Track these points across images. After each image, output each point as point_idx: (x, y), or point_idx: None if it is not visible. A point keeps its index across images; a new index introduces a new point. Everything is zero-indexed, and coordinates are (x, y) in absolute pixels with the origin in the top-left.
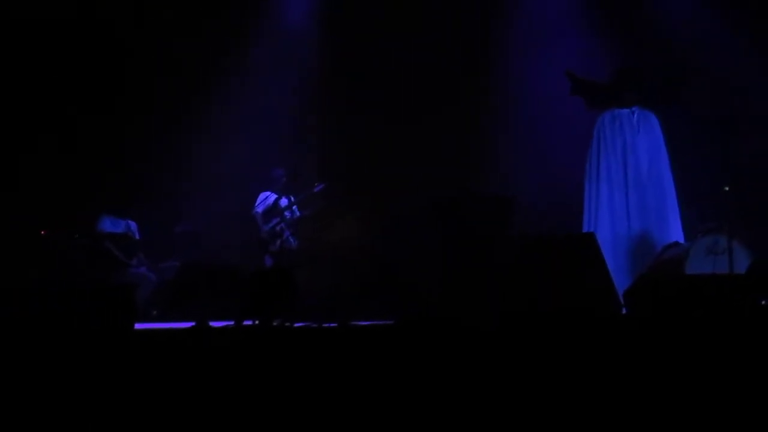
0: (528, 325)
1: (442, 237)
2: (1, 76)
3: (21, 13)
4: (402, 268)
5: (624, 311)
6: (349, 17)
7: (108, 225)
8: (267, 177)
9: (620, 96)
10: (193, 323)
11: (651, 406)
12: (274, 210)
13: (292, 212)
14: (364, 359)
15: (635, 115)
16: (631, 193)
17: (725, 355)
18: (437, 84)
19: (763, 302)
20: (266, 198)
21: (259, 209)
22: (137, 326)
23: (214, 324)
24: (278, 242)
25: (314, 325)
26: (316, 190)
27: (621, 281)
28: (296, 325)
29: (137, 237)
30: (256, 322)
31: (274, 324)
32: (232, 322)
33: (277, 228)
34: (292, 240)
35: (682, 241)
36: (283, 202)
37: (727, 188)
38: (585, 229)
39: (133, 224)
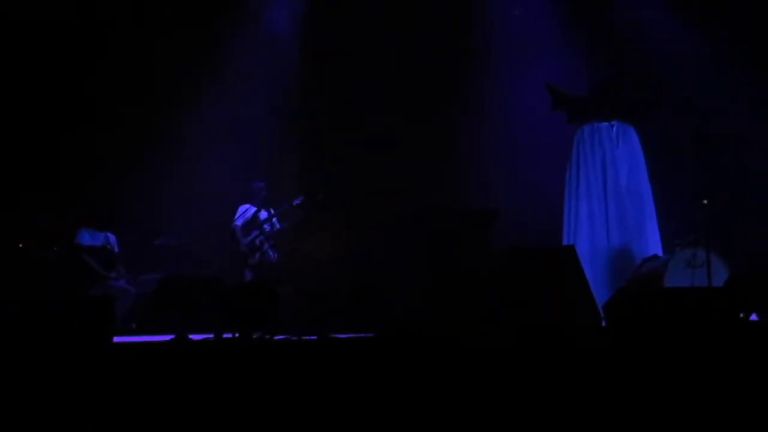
0: (508, 338)
1: (422, 250)
2: None
3: None
4: (382, 281)
5: (603, 324)
6: (330, 28)
7: (86, 238)
8: (247, 190)
9: (600, 110)
10: (173, 336)
11: (630, 417)
12: (253, 223)
13: (272, 225)
14: (344, 372)
15: (614, 129)
16: (611, 205)
17: (704, 367)
18: (418, 97)
19: (742, 315)
20: (246, 211)
21: (239, 222)
22: (116, 339)
23: (193, 337)
24: (258, 255)
25: (294, 338)
26: (295, 202)
27: (600, 294)
28: (276, 337)
29: (116, 250)
30: (236, 335)
31: (254, 337)
32: (211, 335)
33: (257, 241)
34: (271, 253)
35: (660, 254)
36: (263, 214)
37: (705, 201)
38: (565, 242)
39: (112, 237)
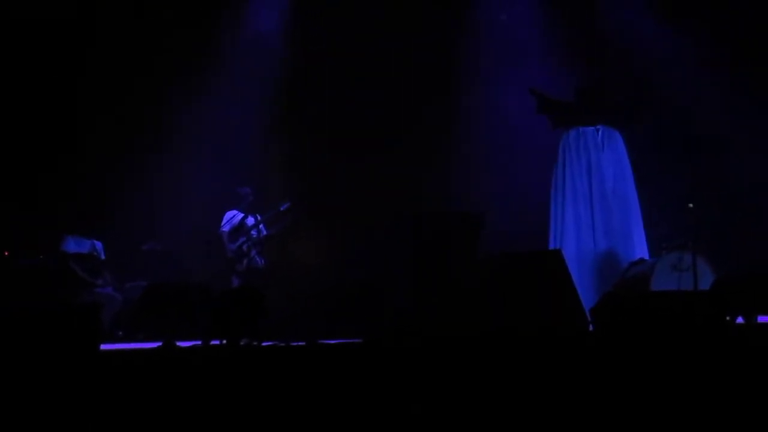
0: (495, 343)
1: (410, 255)
2: None
3: None
4: (370, 287)
5: (591, 328)
6: (318, 29)
7: (72, 245)
8: (234, 195)
9: (585, 114)
10: (160, 343)
11: (617, 422)
12: (240, 229)
13: (259, 231)
14: (332, 378)
15: (600, 133)
16: (597, 209)
17: (691, 371)
18: (404, 102)
19: (728, 318)
20: (232, 217)
21: (225, 228)
22: (103, 347)
23: (181, 344)
24: (245, 261)
25: (282, 344)
26: (282, 208)
27: (587, 298)
28: (264, 344)
29: (102, 257)
30: (224, 341)
31: (242, 344)
32: (199, 342)
33: (244, 247)
34: (258, 259)
35: (647, 257)
36: (250, 220)
37: (691, 205)
38: (551, 246)
39: (98, 244)
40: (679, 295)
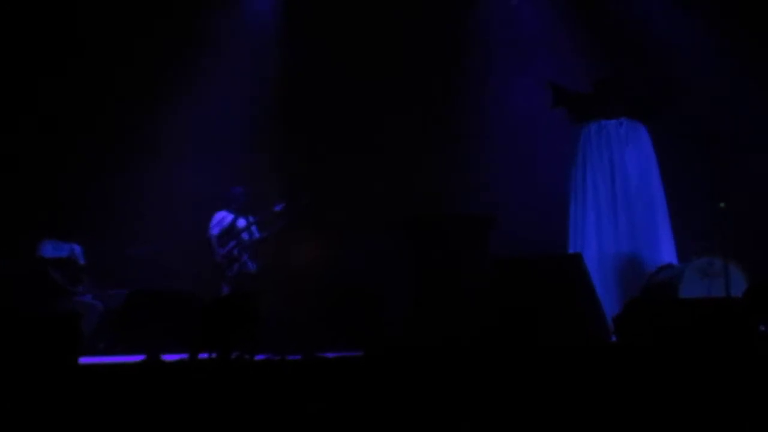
0: (508, 354)
1: (415, 260)
2: None
3: None
4: (372, 294)
5: (613, 339)
6: (315, 20)
7: (50, 249)
8: (224, 195)
9: (606, 106)
10: (144, 357)
11: None
12: (230, 232)
13: (251, 234)
14: (331, 395)
15: (623, 127)
16: (620, 210)
17: (722, 385)
18: (410, 96)
19: (762, 328)
20: (222, 219)
21: (215, 231)
22: (82, 360)
23: (166, 358)
24: (236, 267)
25: (276, 358)
26: (276, 209)
27: (610, 306)
28: (257, 357)
29: (82, 262)
30: (213, 355)
31: (233, 357)
32: (186, 356)
33: (235, 251)
34: (250, 264)
35: (674, 262)
36: (241, 222)
37: (722, 204)
38: (571, 250)
39: (77, 248)
40: (710, 303)
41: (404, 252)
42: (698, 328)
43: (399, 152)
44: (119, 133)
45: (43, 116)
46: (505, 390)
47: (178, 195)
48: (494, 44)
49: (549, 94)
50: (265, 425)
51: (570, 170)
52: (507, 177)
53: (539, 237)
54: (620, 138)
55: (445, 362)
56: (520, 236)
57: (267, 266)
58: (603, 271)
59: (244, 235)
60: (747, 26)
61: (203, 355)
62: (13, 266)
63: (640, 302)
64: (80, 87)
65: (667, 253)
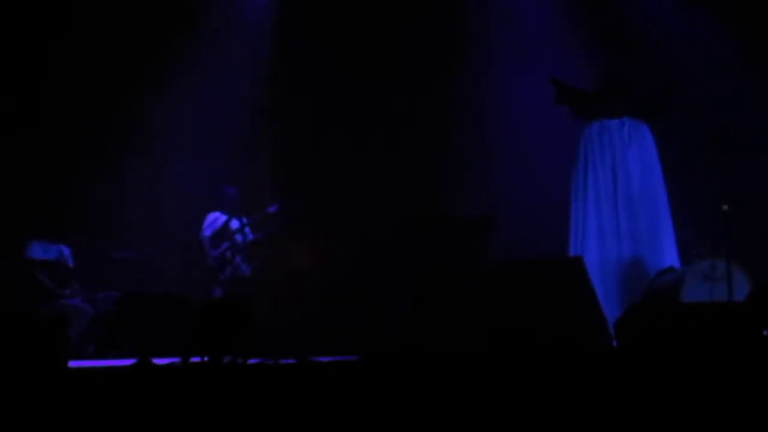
0: (507, 360)
1: (414, 260)
2: None
3: None
4: (368, 297)
5: (615, 344)
6: (311, 16)
7: (38, 251)
8: (216, 196)
9: (610, 105)
10: (135, 361)
11: None
12: (223, 233)
13: (244, 235)
14: (326, 401)
15: (626, 126)
16: (622, 212)
17: (725, 391)
18: (410, 94)
19: (766, 333)
20: (215, 220)
21: (207, 232)
22: (71, 364)
23: (157, 361)
24: (228, 269)
25: (270, 362)
26: (270, 210)
27: (611, 310)
28: (250, 362)
29: (71, 264)
30: (205, 359)
31: (225, 361)
32: (178, 359)
33: (227, 253)
34: (244, 266)
35: (677, 265)
36: (234, 224)
37: (726, 207)
38: (571, 252)
39: (66, 250)
40: (712, 307)
41: (403, 253)
42: (700, 332)
43: (398, 152)
44: (108, 134)
45: (30, 116)
46: (503, 394)
47: (169, 196)
48: (494, 43)
49: (552, 91)
50: (258, 430)
51: (571, 170)
52: (508, 177)
53: (540, 238)
54: (623, 138)
55: (443, 366)
56: (521, 237)
57: (261, 269)
58: (604, 274)
59: (238, 237)
60: (751, 24)
61: (195, 359)
62: (0, 268)
63: (641, 307)
64: (68, 85)
65: (669, 255)
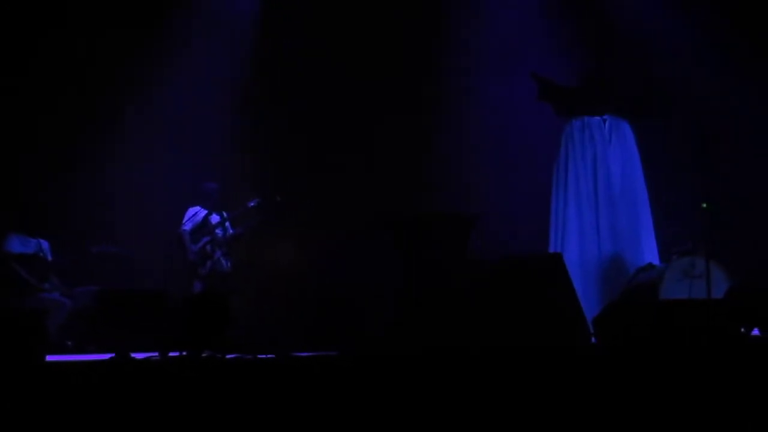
0: (487, 357)
1: (394, 259)
2: None
3: None
4: (349, 294)
5: (593, 341)
6: (294, 12)
7: (16, 244)
8: (197, 190)
9: (591, 102)
10: (113, 355)
11: None
12: (203, 227)
13: (224, 230)
14: (305, 396)
15: (607, 124)
16: (602, 209)
17: (703, 387)
18: (392, 90)
19: (743, 330)
20: (195, 214)
21: (187, 227)
22: (49, 358)
23: (136, 356)
24: (208, 264)
25: (249, 357)
26: (251, 205)
27: (590, 307)
28: (228, 356)
29: (49, 258)
30: (184, 353)
31: (204, 356)
32: (156, 354)
33: (207, 248)
34: (224, 261)
35: (656, 263)
36: (214, 218)
37: (705, 205)
38: (552, 249)
39: (45, 243)
40: (691, 305)
41: (386, 251)
42: (679, 329)
43: (381, 151)
44: (87, 127)
45: (9, 109)
46: (482, 390)
47: (150, 190)
48: (477, 43)
49: (534, 86)
50: (236, 425)
51: (552, 167)
52: (490, 175)
53: (523, 236)
54: (603, 136)
55: (424, 364)
56: (501, 236)
57: (241, 264)
58: (584, 272)
59: (218, 231)
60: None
61: (173, 354)
62: None
63: (620, 304)
64: (49, 78)
65: (648, 253)
